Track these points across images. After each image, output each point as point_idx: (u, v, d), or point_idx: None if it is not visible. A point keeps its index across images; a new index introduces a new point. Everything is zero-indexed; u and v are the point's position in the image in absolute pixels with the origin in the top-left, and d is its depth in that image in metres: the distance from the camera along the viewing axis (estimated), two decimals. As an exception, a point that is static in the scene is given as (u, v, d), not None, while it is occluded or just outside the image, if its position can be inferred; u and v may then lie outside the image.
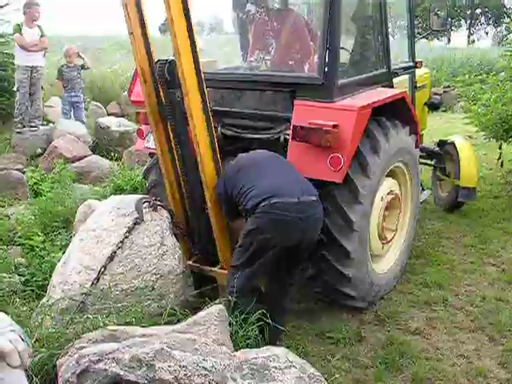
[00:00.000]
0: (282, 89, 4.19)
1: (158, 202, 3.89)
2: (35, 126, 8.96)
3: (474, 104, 7.74)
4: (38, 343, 2.88)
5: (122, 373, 2.21)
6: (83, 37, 20.89)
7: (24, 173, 7.08)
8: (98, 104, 11.65)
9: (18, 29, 8.64)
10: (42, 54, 8.92)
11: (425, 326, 4.18)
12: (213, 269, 4.08)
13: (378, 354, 3.83)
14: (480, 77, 8.07)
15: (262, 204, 3.37)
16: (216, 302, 3.30)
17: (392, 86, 4.78)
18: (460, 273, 5.05)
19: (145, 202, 3.83)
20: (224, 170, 3.83)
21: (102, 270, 3.46)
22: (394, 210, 4.54)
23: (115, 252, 3.50)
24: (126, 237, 3.56)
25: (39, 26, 8.82)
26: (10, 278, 4.19)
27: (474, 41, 42.63)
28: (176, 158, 3.95)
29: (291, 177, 3.64)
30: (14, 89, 8.91)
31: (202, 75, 3.69)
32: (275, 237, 3.39)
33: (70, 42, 10.23)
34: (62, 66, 9.66)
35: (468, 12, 44.79)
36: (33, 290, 4.13)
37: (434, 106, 6.39)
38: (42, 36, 8.79)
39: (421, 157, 5.86)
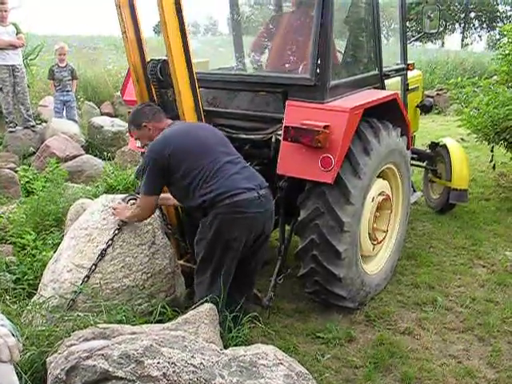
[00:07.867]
0: (274, 89, 4.20)
1: None
2: (34, 126, 8.91)
3: (467, 107, 7.80)
4: (28, 341, 2.88)
5: (110, 369, 2.22)
6: (77, 37, 20.85)
7: (16, 172, 7.06)
8: (92, 104, 11.64)
9: None
10: (19, 52, 8.63)
11: (414, 327, 4.20)
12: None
13: (368, 354, 3.84)
14: (473, 80, 8.13)
15: (225, 202, 3.29)
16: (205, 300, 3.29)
17: (384, 88, 4.81)
18: (450, 274, 5.08)
19: (130, 200, 3.83)
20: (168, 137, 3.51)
21: (93, 268, 3.46)
22: (385, 211, 4.57)
23: (105, 250, 3.51)
24: (116, 234, 3.57)
25: (14, 24, 8.53)
26: (0, 276, 4.19)
27: (467, 44, 42.83)
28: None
29: (245, 168, 3.55)
30: None
31: (195, 75, 3.71)
32: (240, 235, 3.36)
33: (64, 42, 10.14)
34: (53, 66, 9.63)
35: (462, 16, 44.98)
36: (24, 289, 4.10)
37: (425, 108, 6.41)
38: (17, 33, 8.51)
39: (412, 158, 5.89)
